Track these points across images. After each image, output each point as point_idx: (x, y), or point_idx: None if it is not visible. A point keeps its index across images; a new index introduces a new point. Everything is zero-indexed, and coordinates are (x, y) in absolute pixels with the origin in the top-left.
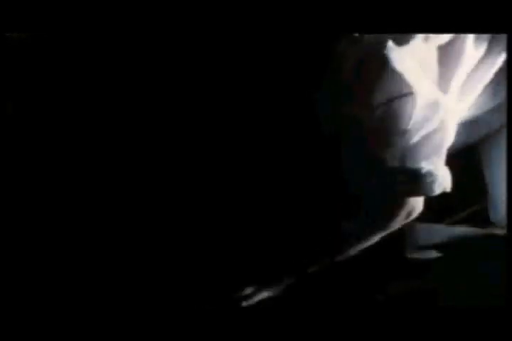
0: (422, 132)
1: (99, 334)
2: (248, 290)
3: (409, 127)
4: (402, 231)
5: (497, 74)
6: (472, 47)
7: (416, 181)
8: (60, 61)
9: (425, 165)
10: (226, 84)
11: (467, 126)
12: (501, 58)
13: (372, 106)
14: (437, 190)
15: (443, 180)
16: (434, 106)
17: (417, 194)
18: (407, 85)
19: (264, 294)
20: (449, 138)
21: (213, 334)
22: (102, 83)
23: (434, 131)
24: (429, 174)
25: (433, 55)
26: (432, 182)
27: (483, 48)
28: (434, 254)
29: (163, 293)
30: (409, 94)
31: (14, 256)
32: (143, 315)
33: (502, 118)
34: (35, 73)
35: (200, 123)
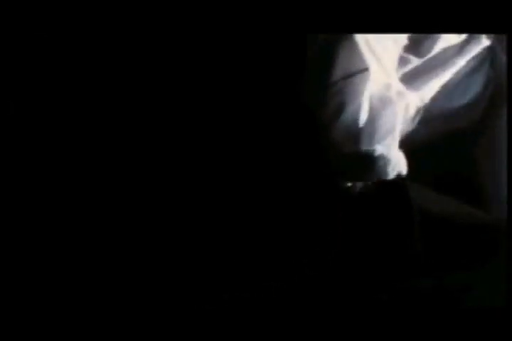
0: (374, 113)
1: (99, 334)
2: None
3: (362, 105)
4: (407, 230)
5: (465, 75)
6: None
7: (369, 164)
8: (61, 61)
9: (378, 148)
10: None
11: (434, 119)
12: (464, 59)
13: (329, 83)
14: (391, 173)
15: (397, 163)
16: (386, 87)
17: (370, 177)
18: (364, 61)
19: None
20: (400, 121)
21: (213, 334)
22: (102, 83)
23: (386, 113)
24: (382, 157)
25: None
26: (385, 165)
27: (448, 44)
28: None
29: (163, 293)
30: (365, 70)
31: (14, 256)
32: (142, 315)
33: (472, 117)
34: (35, 73)
35: (188, 122)
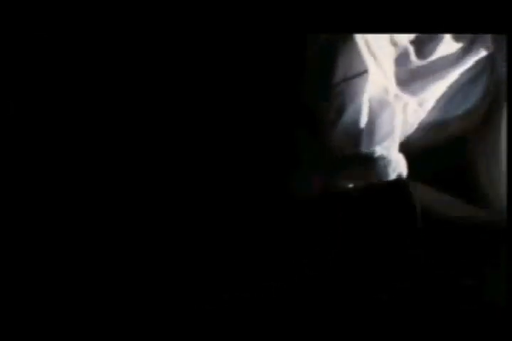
0: (373, 114)
1: (100, 334)
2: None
3: (361, 107)
4: (407, 230)
5: (465, 82)
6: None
7: (369, 165)
8: (61, 61)
9: (378, 150)
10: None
11: (434, 124)
12: (463, 67)
13: (330, 85)
14: (392, 174)
15: (397, 165)
16: (384, 89)
17: (371, 178)
18: (364, 63)
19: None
20: (399, 124)
21: (213, 334)
22: (101, 83)
23: (384, 115)
24: (382, 158)
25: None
26: (385, 166)
27: (447, 51)
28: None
29: (163, 293)
30: (365, 72)
31: (14, 256)
32: (143, 315)
33: (472, 122)
34: (35, 73)
35: (188, 122)
